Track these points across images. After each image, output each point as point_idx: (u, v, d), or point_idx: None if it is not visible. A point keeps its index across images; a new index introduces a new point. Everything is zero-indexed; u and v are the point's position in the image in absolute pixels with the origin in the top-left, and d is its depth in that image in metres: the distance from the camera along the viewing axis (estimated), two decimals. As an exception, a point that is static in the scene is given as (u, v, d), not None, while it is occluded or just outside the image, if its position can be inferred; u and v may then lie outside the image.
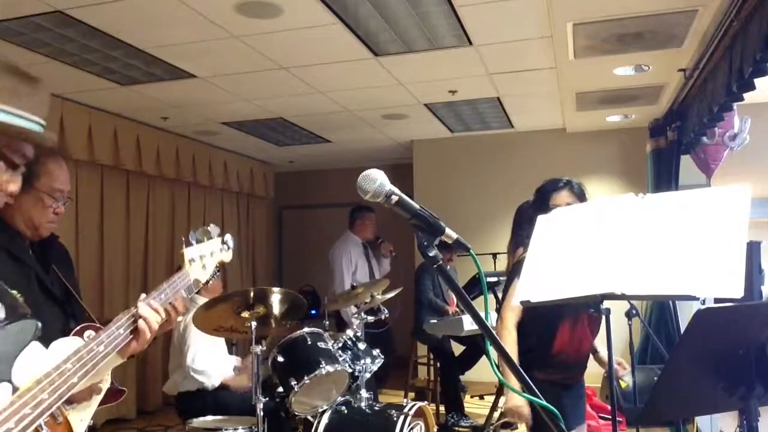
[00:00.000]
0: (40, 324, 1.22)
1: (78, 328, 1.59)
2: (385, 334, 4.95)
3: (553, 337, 2.40)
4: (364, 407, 3.50)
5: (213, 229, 1.79)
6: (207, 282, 1.74)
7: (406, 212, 1.26)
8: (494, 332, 1.29)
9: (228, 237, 1.84)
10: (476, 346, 5.54)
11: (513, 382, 2.28)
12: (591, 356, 2.60)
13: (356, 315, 4.16)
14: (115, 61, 4.41)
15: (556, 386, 2.40)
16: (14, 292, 1.44)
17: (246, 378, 3.77)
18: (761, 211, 4.89)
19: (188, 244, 1.70)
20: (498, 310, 4.30)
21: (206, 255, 1.74)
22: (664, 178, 5.69)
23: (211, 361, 3.80)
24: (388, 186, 1.25)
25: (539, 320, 2.39)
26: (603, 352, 2.57)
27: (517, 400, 2.34)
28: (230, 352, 4.17)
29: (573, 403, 2.50)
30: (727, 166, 5.03)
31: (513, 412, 2.36)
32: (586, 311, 2.32)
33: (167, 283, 1.56)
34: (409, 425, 3.30)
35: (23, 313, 1.25)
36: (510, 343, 2.38)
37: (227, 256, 1.84)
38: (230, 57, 4.41)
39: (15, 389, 1.10)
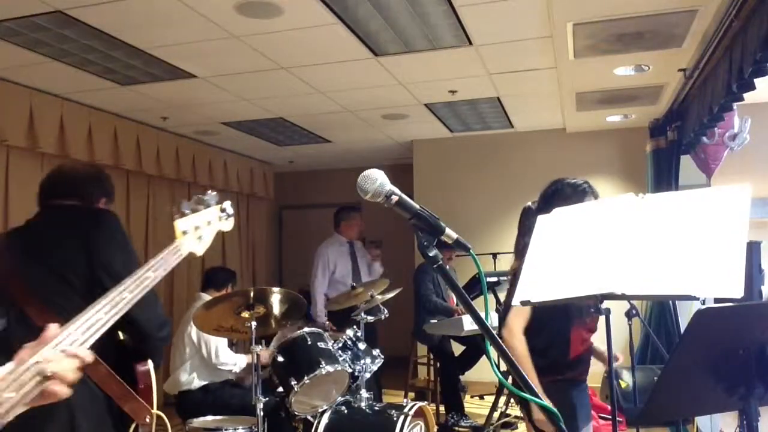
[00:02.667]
0: None
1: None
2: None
3: (567, 345, 2.36)
4: (364, 407, 3.50)
5: (210, 196, 1.64)
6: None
7: (406, 212, 1.27)
8: (496, 334, 1.29)
9: (227, 204, 1.68)
10: (476, 346, 5.54)
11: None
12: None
13: (355, 314, 4.15)
14: (115, 61, 4.41)
15: (566, 383, 2.38)
16: None
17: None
18: (761, 211, 4.91)
19: (181, 214, 1.55)
20: (499, 311, 4.34)
21: (201, 225, 1.59)
22: (664, 178, 5.69)
23: (229, 350, 4.01)
24: (388, 186, 1.25)
25: (549, 327, 2.35)
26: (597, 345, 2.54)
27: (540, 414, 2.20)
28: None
29: (581, 402, 2.46)
30: (727, 166, 5.03)
31: (543, 425, 2.23)
32: (588, 312, 2.29)
33: (156, 260, 1.41)
34: (409, 425, 3.30)
35: None
36: (523, 350, 2.30)
37: (227, 225, 1.68)
38: (230, 57, 4.41)
39: None
